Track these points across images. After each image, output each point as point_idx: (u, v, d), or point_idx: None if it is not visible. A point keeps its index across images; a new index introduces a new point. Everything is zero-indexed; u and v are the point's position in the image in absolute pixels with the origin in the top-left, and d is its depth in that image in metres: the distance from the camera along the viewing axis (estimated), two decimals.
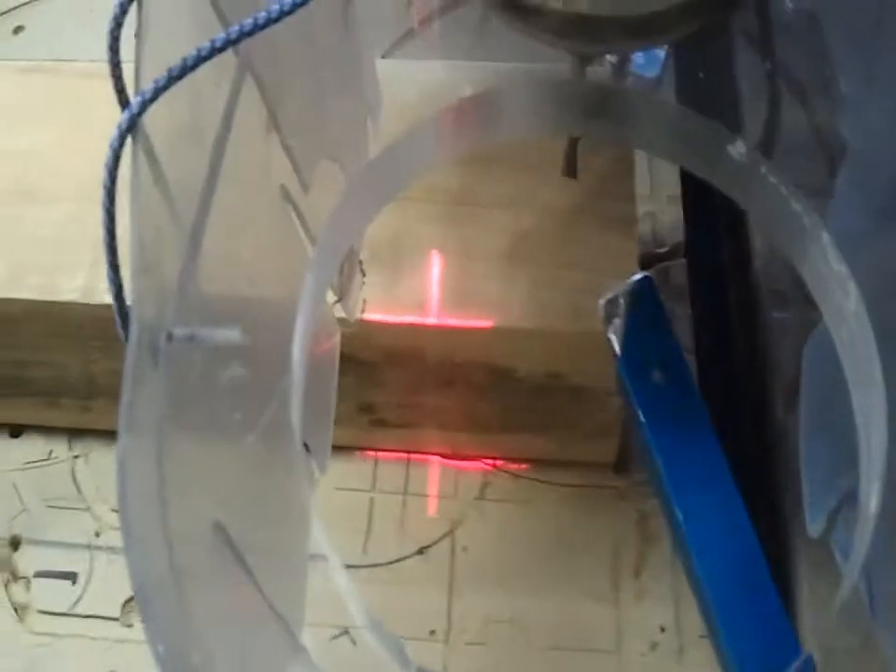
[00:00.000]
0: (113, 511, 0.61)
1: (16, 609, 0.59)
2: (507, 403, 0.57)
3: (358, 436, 0.61)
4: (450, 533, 0.58)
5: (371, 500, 0.60)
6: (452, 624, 0.55)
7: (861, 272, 0.40)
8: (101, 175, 0.32)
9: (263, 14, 0.34)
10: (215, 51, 0.33)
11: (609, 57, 0.51)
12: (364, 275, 0.52)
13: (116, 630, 0.57)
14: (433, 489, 0.60)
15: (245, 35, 0.34)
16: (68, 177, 0.58)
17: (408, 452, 0.61)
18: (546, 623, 0.55)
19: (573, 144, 0.54)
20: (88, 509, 0.62)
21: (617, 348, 0.50)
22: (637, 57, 0.61)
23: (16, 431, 0.65)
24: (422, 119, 0.40)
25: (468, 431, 0.59)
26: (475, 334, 0.54)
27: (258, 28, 0.34)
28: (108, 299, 0.32)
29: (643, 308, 0.51)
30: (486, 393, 0.56)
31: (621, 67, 0.51)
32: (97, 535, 0.61)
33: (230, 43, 0.33)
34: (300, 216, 0.42)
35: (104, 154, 0.32)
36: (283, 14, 0.34)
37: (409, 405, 0.58)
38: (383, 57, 0.68)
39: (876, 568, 0.41)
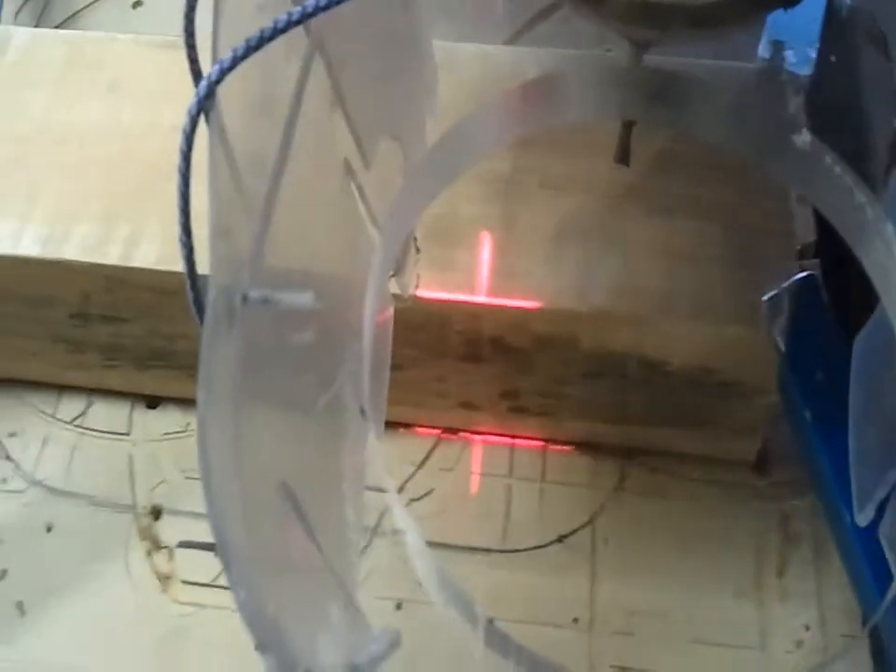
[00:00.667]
0: None
1: (159, 579, 0.59)
2: (653, 395, 0.57)
3: (496, 422, 0.61)
4: (590, 523, 0.59)
5: (509, 487, 0.61)
6: (595, 614, 0.56)
7: None
8: None
9: None
10: (291, 24, 0.34)
11: None
12: (419, 252, 0.52)
13: None
14: (571, 478, 0.60)
15: (320, 9, 0.34)
16: None
17: (545, 440, 0.62)
18: (689, 617, 0.55)
19: (627, 130, 0.54)
20: None
21: (782, 346, 0.50)
22: (790, 55, 0.60)
23: (153, 403, 0.66)
24: (483, 100, 0.40)
25: (608, 422, 0.60)
26: (633, 325, 0.54)
27: (332, 4, 0.35)
28: None
29: (807, 306, 0.50)
30: (634, 384, 0.57)
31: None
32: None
33: (305, 16, 0.34)
34: (361, 191, 0.43)
35: None
36: None
37: (553, 394, 0.58)
38: (504, 44, 0.68)
39: None
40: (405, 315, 0.52)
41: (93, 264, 0.57)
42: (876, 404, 0.43)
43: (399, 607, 0.57)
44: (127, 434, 0.65)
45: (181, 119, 0.32)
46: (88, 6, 0.81)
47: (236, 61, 0.33)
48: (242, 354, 0.30)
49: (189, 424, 0.64)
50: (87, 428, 0.65)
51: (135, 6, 0.81)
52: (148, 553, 0.60)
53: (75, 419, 0.65)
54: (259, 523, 0.30)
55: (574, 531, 0.59)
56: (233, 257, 0.32)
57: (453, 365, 0.58)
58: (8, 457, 0.64)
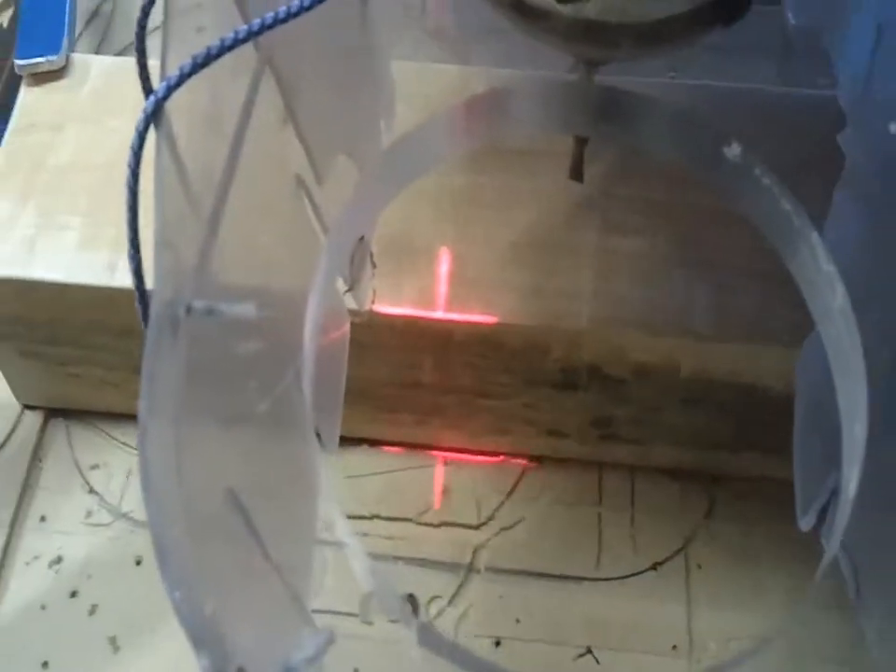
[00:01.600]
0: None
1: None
2: (744, 421, 0.57)
3: (584, 449, 0.61)
4: (682, 549, 0.59)
5: (599, 515, 0.61)
6: (693, 640, 0.56)
7: (857, 279, 0.41)
8: None
9: (284, 9, 0.36)
10: (237, 42, 0.34)
11: None
12: (375, 267, 0.53)
13: (355, 626, 0.57)
14: (661, 505, 0.61)
15: (266, 27, 0.35)
16: None
17: (633, 467, 0.62)
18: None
19: (580, 147, 0.55)
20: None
21: None
22: None
23: None
24: (435, 113, 0.41)
25: (699, 448, 0.60)
26: (734, 352, 0.54)
27: (278, 21, 0.35)
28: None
29: None
30: (728, 410, 0.57)
31: None
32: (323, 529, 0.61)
33: (252, 35, 0.35)
34: (314, 206, 0.44)
35: None
36: (303, 9, 0.36)
37: (647, 421, 0.59)
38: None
39: (860, 556, 0.42)
40: (503, 340, 0.54)
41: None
42: (818, 413, 0.43)
43: (497, 644, 0.57)
44: None
45: None
46: (151, 31, 0.82)
47: (183, 78, 0.33)
48: (184, 364, 0.31)
49: None
50: None
51: (199, 31, 0.81)
52: None
53: None
54: (201, 526, 0.30)
55: (667, 558, 0.59)
56: (178, 268, 0.32)
57: (544, 393, 0.58)
58: (92, 490, 0.64)
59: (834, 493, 0.43)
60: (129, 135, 0.59)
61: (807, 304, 0.40)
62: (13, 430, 0.66)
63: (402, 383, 0.60)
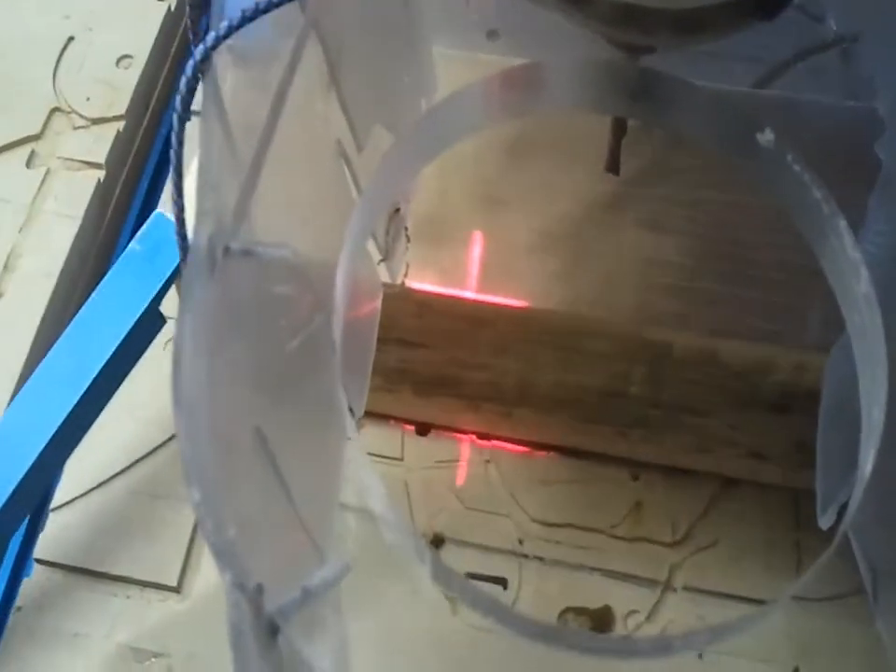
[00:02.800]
0: (534, 521, 0.61)
1: (449, 601, 0.59)
2: None
3: (783, 472, 0.60)
4: None
5: (797, 541, 0.60)
6: None
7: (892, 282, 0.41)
8: None
9: None
10: (284, 1, 0.35)
11: None
12: (409, 241, 0.54)
13: None
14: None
15: None
16: None
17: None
18: None
19: (617, 139, 0.55)
20: (507, 515, 0.62)
21: None
22: None
23: (424, 430, 0.65)
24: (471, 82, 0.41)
25: None
26: None
27: None
28: None
29: None
30: None
31: None
32: (521, 542, 0.61)
33: None
34: (352, 172, 0.45)
35: None
36: None
37: None
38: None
39: (879, 561, 0.42)
40: (726, 359, 0.53)
41: (406, 288, 0.55)
42: (842, 413, 0.43)
43: (700, 657, 0.57)
44: (400, 459, 0.64)
45: None
46: None
47: (231, 30, 0.34)
48: (220, 300, 0.32)
49: (461, 453, 0.64)
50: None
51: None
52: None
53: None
54: (229, 458, 0.31)
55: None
56: (218, 210, 0.33)
57: (755, 414, 0.57)
58: None
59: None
60: None
61: (834, 291, 0.40)
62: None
63: (610, 392, 0.59)
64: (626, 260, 0.56)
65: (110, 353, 0.54)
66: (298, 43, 0.39)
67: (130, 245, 0.56)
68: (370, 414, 0.63)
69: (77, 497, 0.62)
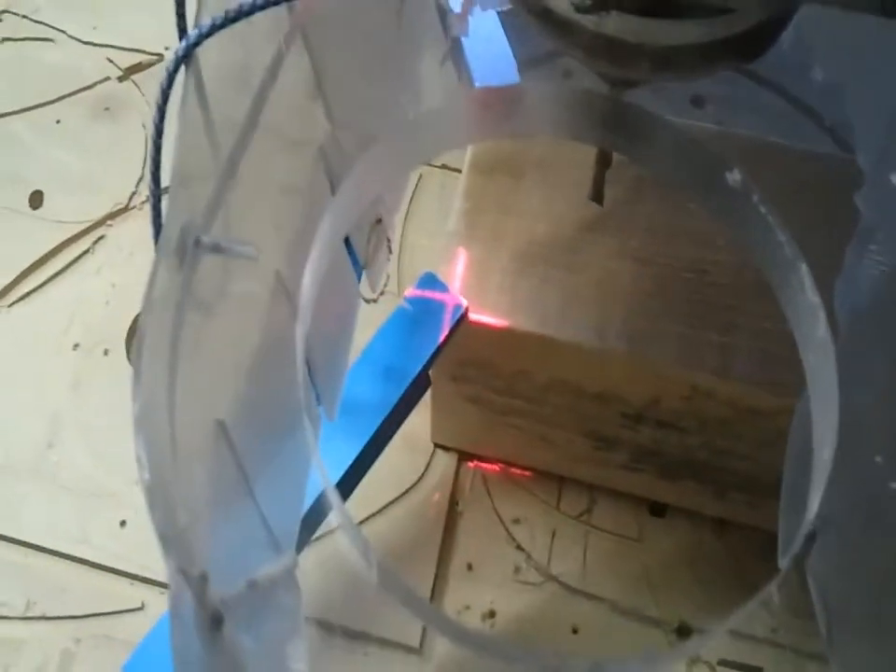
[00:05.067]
0: (786, 610, 0.58)
1: None
2: None
3: None
4: None
5: None
6: None
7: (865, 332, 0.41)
8: None
9: None
10: (269, 3, 0.35)
11: None
12: (391, 252, 0.53)
13: None
14: None
15: None
16: None
17: None
18: None
19: (601, 170, 0.54)
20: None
21: None
22: None
23: (659, 510, 0.63)
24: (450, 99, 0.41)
25: None
26: None
27: None
28: None
29: None
30: None
31: None
32: (773, 631, 0.58)
33: None
34: (333, 180, 0.44)
35: None
36: None
37: None
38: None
39: (836, 619, 0.42)
40: None
41: (687, 370, 0.53)
42: (808, 457, 0.43)
43: None
44: (637, 540, 0.62)
45: None
46: None
47: (214, 28, 0.34)
48: (187, 291, 0.31)
49: (700, 539, 0.61)
50: (594, 527, 0.62)
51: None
52: (688, 666, 0.57)
53: (581, 514, 0.62)
54: (189, 449, 0.30)
55: None
56: (192, 202, 0.32)
57: None
58: (519, 546, 0.61)
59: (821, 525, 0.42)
60: None
61: (793, 333, 0.39)
62: (426, 469, 0.64)
63: None
64: (655, 297, 0.55)
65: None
66: (282, 46, 0.38)
67: (399, 305, 0.54)
68: (600, 489, 0.62)
69: None
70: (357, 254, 0.49)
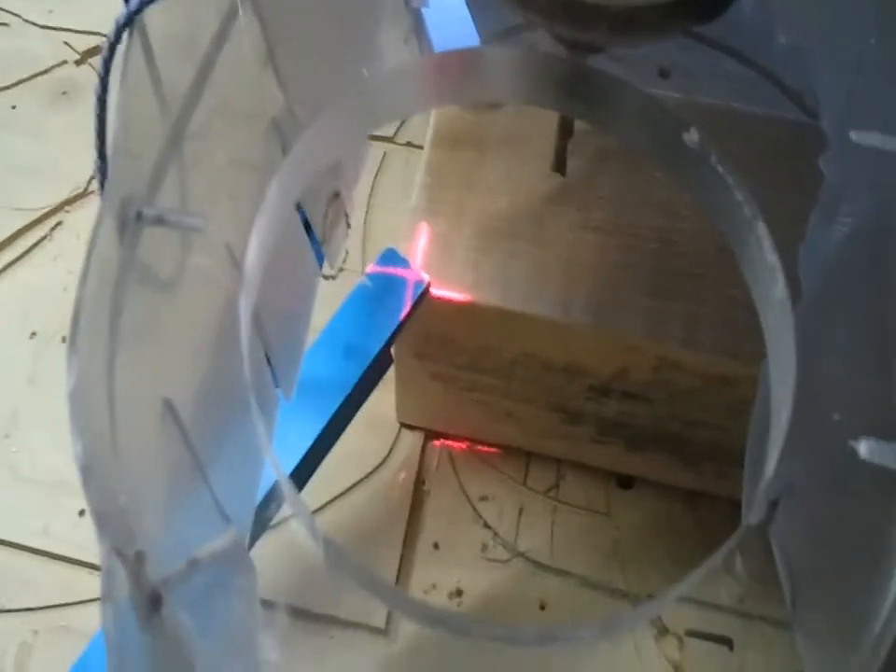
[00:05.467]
0: (752, 579, 0.55)
1: (672, 666, 0.56)
2: None
3: None
4: None
5: None
6: None
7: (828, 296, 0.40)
8: None
9: None
10: None
11: None
12: (349, 227, 0.52)
13: None
14: None
15: None
16: None
17: None
18: None
19: (563, 140, 0.54)
20: (725, 573, 0.58)
21: None
22: None
23: (627, 483, 0.62)
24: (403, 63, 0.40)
25: None
26: None
27: None
28: None
29: None
30: None
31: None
32: (741, 601, 0.57)
33: None
34: (287, 151, 0.43)
35: None
36: None
37: None
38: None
39: (800, 582, 0.41)
40: None
41: (654, 342, 0.52)
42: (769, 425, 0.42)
43: None
44: (606, 514, 0.61)
45: None
46: None
47: None
48: (127, 268, 0.30)
49: (669, 510, 0.60)
50: (562, 502, 0.61)
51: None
52: (655, 638, 0.56)
53: (548, 490, 0.62)
54: (133, 427, 0.29)
55: None
56: (134, 174, 0.31)
57: None
58: (486, 524, 0.60)
59: (785, 490, 0.42)
60: None
61: (751, 290, 0.39)
62: (392, 448, 0.63)
63: None
64: (621, 268, 0.54)
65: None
66: (229, 11, 0.37)
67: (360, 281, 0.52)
68: (568, 463, 0.61)
69: None
70: (315, 229, 0.47)
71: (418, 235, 0.54)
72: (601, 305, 0.52)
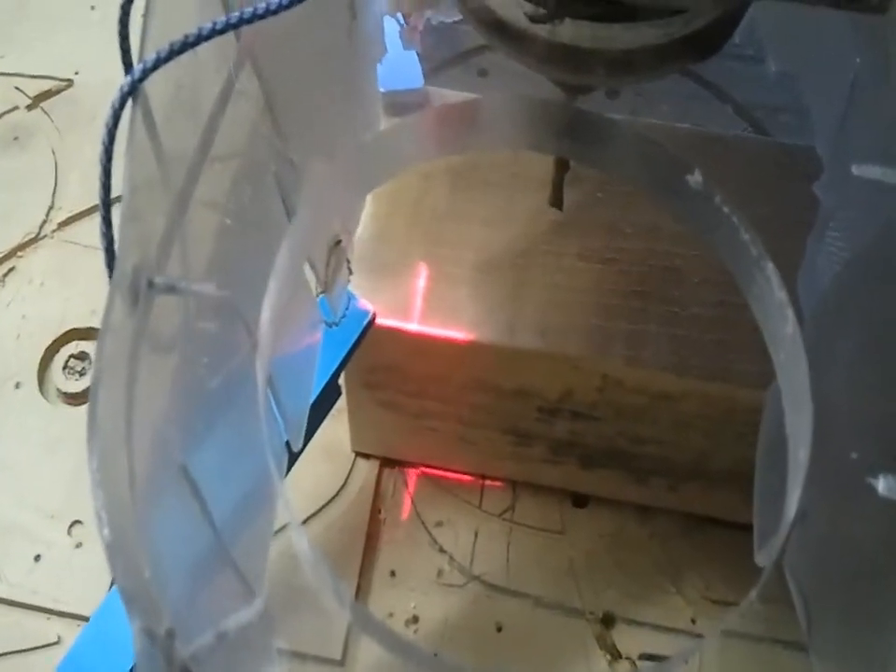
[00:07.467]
0: (704, 598, 0.57)
1: None
2: None
3: None
4: None
5: None
6: None
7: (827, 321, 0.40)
8: None
9: (263, 5, 0.35)
10: (215, 33, 0.34)
11: None
12: (351, 273, 0.52)
13: None
14: None
15: (244, 21, 0.34)
16: None
17: None
18: None
19: (560, 174, 0.54)
20: (677, 592, 0.58)
21: None
22: None
23: (581, 502, 0.62)
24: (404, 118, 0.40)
25: None
26: None
27: (257, 17, 0.35)
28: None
29: None
30: None
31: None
32: (693, 622, 0.57)
33: (229, 27, 0.34)
34: (288, 206, 0.43)
35: None
36: (281, 7, 0.35)
37: None
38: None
39: (814, 609, 0.41)
40: None
41: (597, 361, 0.53)
42: (780, 452, 0.42)
43: None
44: (561, 533, 0.61)
45: None
46: None
47: (159, 62, 0.33)
48: (141, 335, 0.30)
49: (623, 527, 0.60)
50: (517, 523, 0.61)
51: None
52: (609, 664, 0.56)
53: (504, 512, 0.62)
54: (149, 495, 0.29)
55: None
56: (143, 241, 0.31)
57: None
58: (442, 549, 0.61)
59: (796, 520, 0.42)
60: None
61: (762, 331, 0.39)
62: (348, 478, 0.63)
63: None
64: (566, 290, 0.55)
65: None
66: (232, 72, 0.37)
67: None
68: (522, 485, 0.62)
69: None
70: (318, 277, 0.48)
71: (364, 265, 0.55)
72: (547, 327, 0.53)
